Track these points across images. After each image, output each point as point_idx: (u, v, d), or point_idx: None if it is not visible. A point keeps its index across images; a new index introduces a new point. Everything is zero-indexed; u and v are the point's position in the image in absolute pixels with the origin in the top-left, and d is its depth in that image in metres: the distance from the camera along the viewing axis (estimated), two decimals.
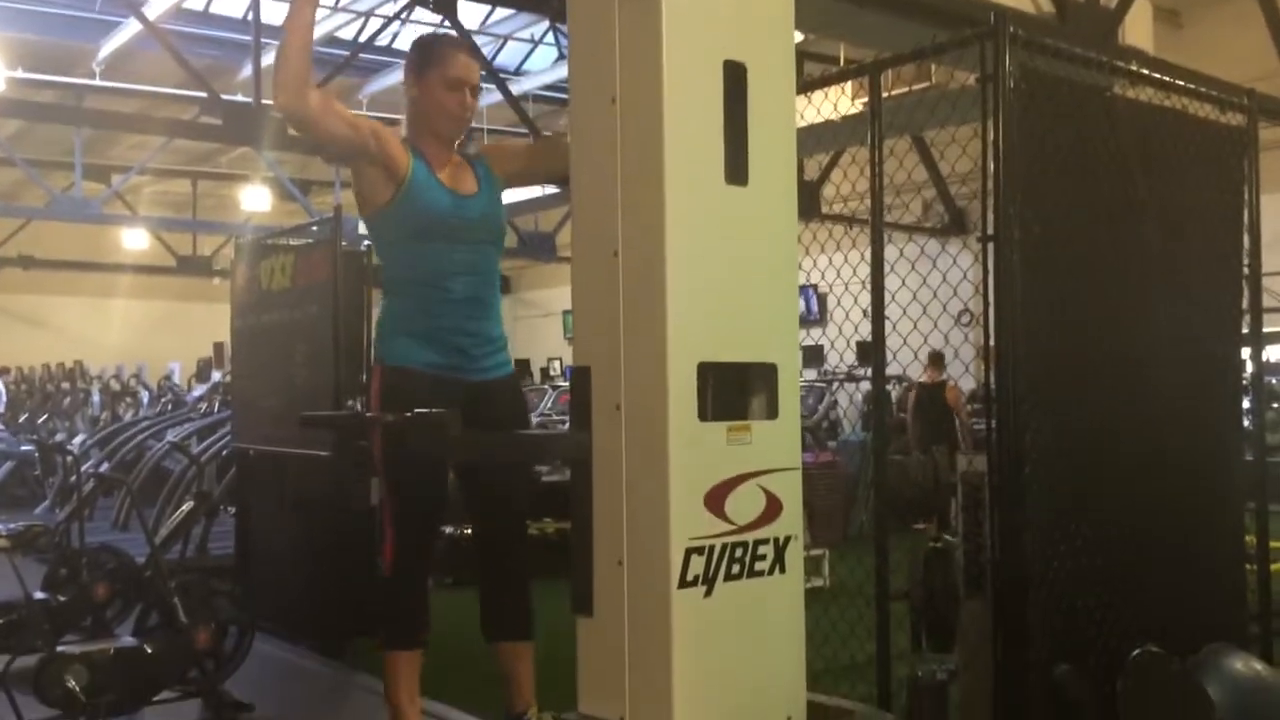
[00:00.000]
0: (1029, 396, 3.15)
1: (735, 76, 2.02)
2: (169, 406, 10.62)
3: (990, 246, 3.09)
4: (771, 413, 2.05)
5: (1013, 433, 3.14)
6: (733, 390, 2.02)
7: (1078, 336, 3.37)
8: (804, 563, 2.11)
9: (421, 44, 3.01)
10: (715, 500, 1.94)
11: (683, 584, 1.89)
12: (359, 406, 6.23)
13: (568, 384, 13.22)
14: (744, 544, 1.97)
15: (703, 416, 1.94)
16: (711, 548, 1.93)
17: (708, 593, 1.92)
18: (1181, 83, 3.65)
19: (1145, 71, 3.52)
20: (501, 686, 3.00)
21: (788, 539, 2.04)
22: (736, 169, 2.02)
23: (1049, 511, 3.24)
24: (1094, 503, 3.42)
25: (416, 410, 2.11)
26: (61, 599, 5.35)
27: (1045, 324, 3.26)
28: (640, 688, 1.92)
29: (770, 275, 2.08)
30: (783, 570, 2.03)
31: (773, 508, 2.01)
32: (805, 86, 3.88)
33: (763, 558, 2.00)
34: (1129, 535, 3.52)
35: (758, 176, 2.05)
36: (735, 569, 1.96)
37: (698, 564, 1.90)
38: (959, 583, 3.28)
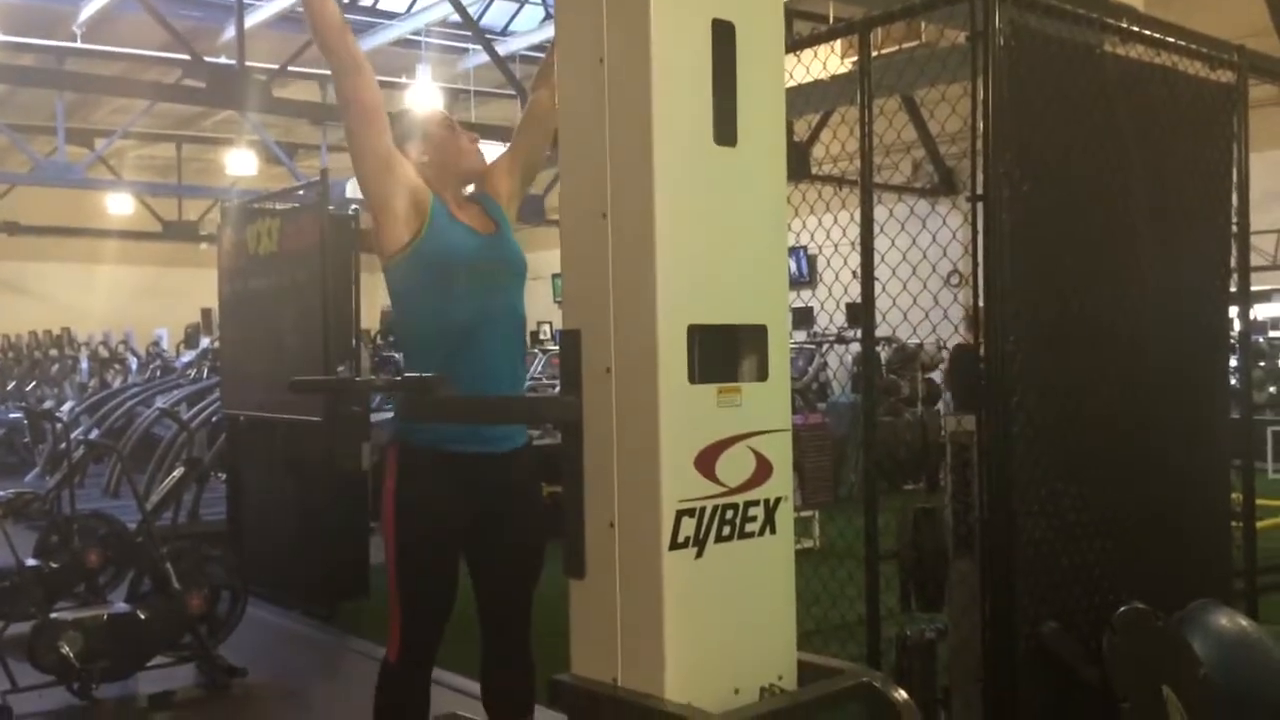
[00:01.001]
0: (1016, 356, 3.16)
1: (724, 35, 2.00)
2: (158, 373, 10.59)
3: (979, 206, 3.09)
4: (762, 374, 2.05)
5: (1001, 392, 3.16)
6: (723, 352, 2.01)
7: (1066, 295, 3.38)
8: (794, 524, 2.12)
9: (399, 117, 2.91)
10: (706, 462, 1.95)
11: (674, 546, 1.89)
12: (348, 371, 6.24)
13: (557, 347, 13.24)
14: (734, 505, 1.98)
15: (693, 379, 1.94)
16: (702, 509, 1.93)
17: (699, 554, 1.93)
18: (1171, 40, 3.63)
19: (1136, 29, 3.50)
20: None
21: (778, 500, 2.05)
22: (725, 129, 2.01)
23: (1037, 471, 3.26)
24: (1081, 461, 3.44)
25: (406, 375, 2.10)
26: (54, 566, 5.37)
27: (1034, 283, 3.26)
28: (632, 649, 1.93)
29: (760, 236, 2.07)
30: (773, 531, 2.03)
31: (763, 469, 2.02)
32: (794, 45, 3.86)
33: (753, 519, 2.01)
34: (1116, 494, 3.55)
35: (747, 136, 2.03)
36: (726, 530, 1.96)
37: (688, 526, 1.91)
38: (948, 543, 3.31)
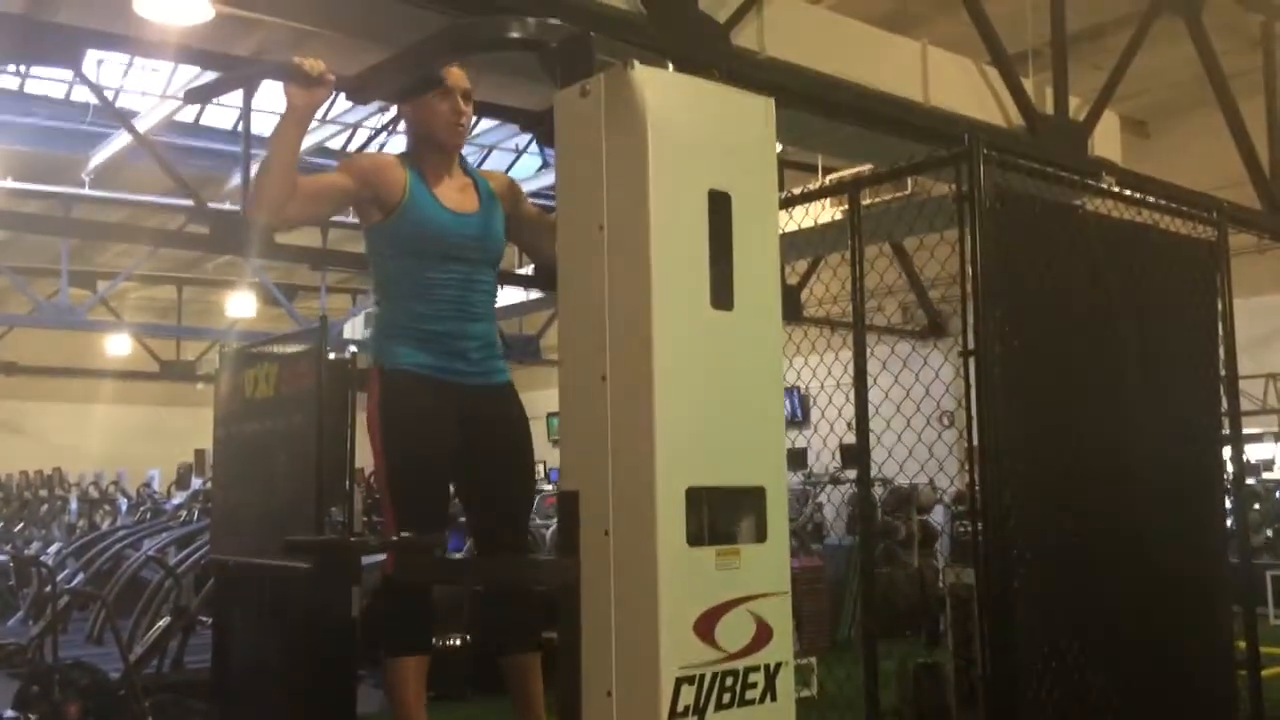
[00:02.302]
0: (1014, 511, 3.16)
1: (720, 205, 2.07)
2: (147, 515, 10.48)
3: (970, 361, 3.14)
4: (760, 536, 2.05)
5: (1000, 546, 3.14)
6: (721, 514, 2.02)
7: (1061, 447, 3.40)
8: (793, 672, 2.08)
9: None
10: (705, 627, 1.93)
11: (673, 715, 1.86)
12: (341, 516, 6.18)
13: (552, 488, 13.11)
14: (734, 672, 1.95)
15: (692, 542, 1.94)
16: (702, 677, 1.90)
17: None
18: (1152, 199, 3.75)
19: (1117, 189, 3.62)
20: (511, 707, 2.92)
21: (778, 666, 2.02)
22: (722, 294, 2.06)
23: (1039, 625, 3.22)
24: (1084, 613, 3.40)
25: (403, 535, 2.09)
26: (32, 718, 5.21)
27: (1028, 437, 3.29)
28: None
29: (757, 398, 2.10)
30: (774, 699, 2.00)
31: (763, 634, 2.00)
32: (786, 203, 3.98)
33: (754, 686, 1.97)
34: (1120, 647, 3.50)
35: (743, 300, 2.08)
36: (726, 698, 1.93)
37: (688, 694, 1.88)
38: (950, 701, 3.24)
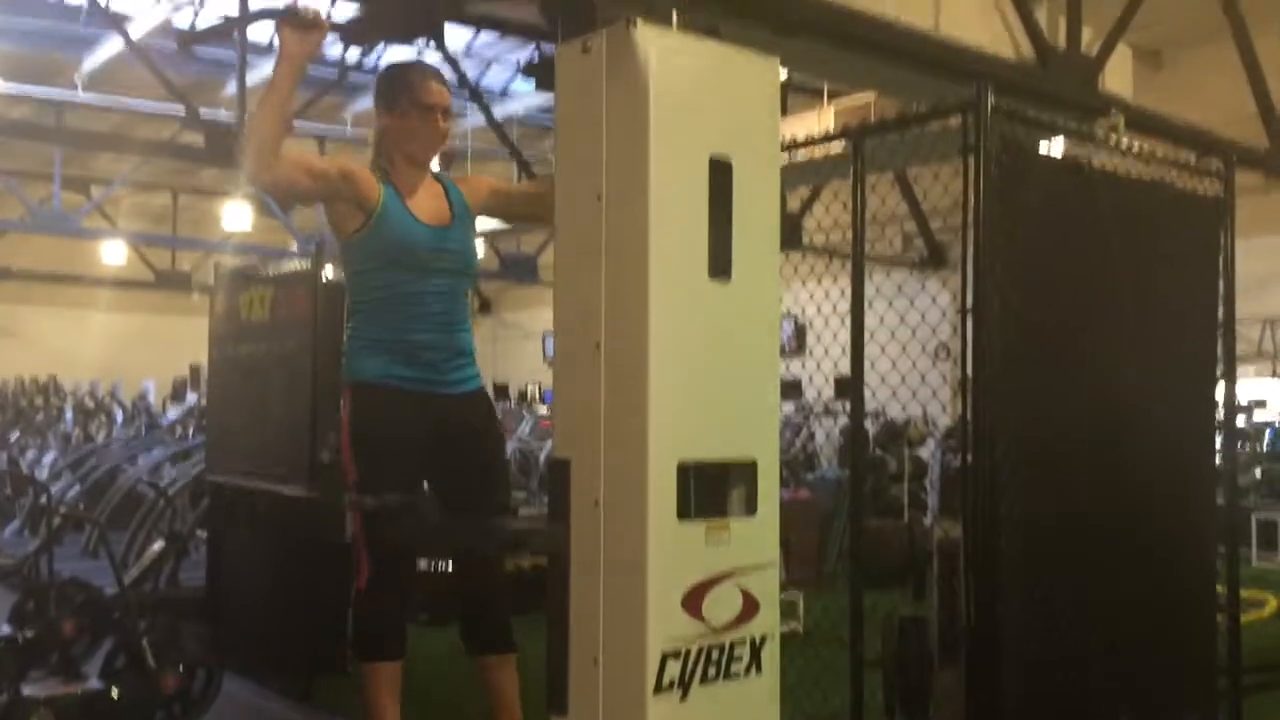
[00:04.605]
0: (1005, 467, 3.16)
1: (720, 172, 2.02)
2: (143, 429, 10.52)
3: (969, 318, 3.11)
4: (750, 509, 2.04)
5: (989, 503, 3.15)
6: (712, 488, 2.01)
7: (1054, 402, 3.39)
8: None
9: (389, 73, 3.01)
10: (693, 601, 1.93)
11: (658, 689, 1.87)
12: (336, 439, 6.20)
13: (545, 410, 13.16)
14: (720, 645, 1.96)
15: (682, 515, 1.94)
16: (688, 651, 1.92)
17: (683, 697, 1.91)
18: (1160, 153, 3.69)
19: (1125, 146, 3.55)
20: (486, 702, 2.97)
21: (764, 638, 2.03)
22: (720, 264, 2.02)
23: (1024, 579, 3.25)
24: (1069, 567, 3.43)
25: (389, 495, 2.09)
26: (28, 634, 5.28)
27: (1023, 390, 3.28)
28: None
29: (752, 370, 2.08)
30: (759, 671, 2.02)
31: (749, 607, 2.01)
32: (788, 146, 3.90)
33: (739, 659, 1.99)
34: (1104, 598, 3.54)
35: (741, 271, 2.05)
36: (711, 671, 1.95)
37: (674, 668, 1.89)
38: (933, 652, 3.29)
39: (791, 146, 3.93)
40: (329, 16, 2.51)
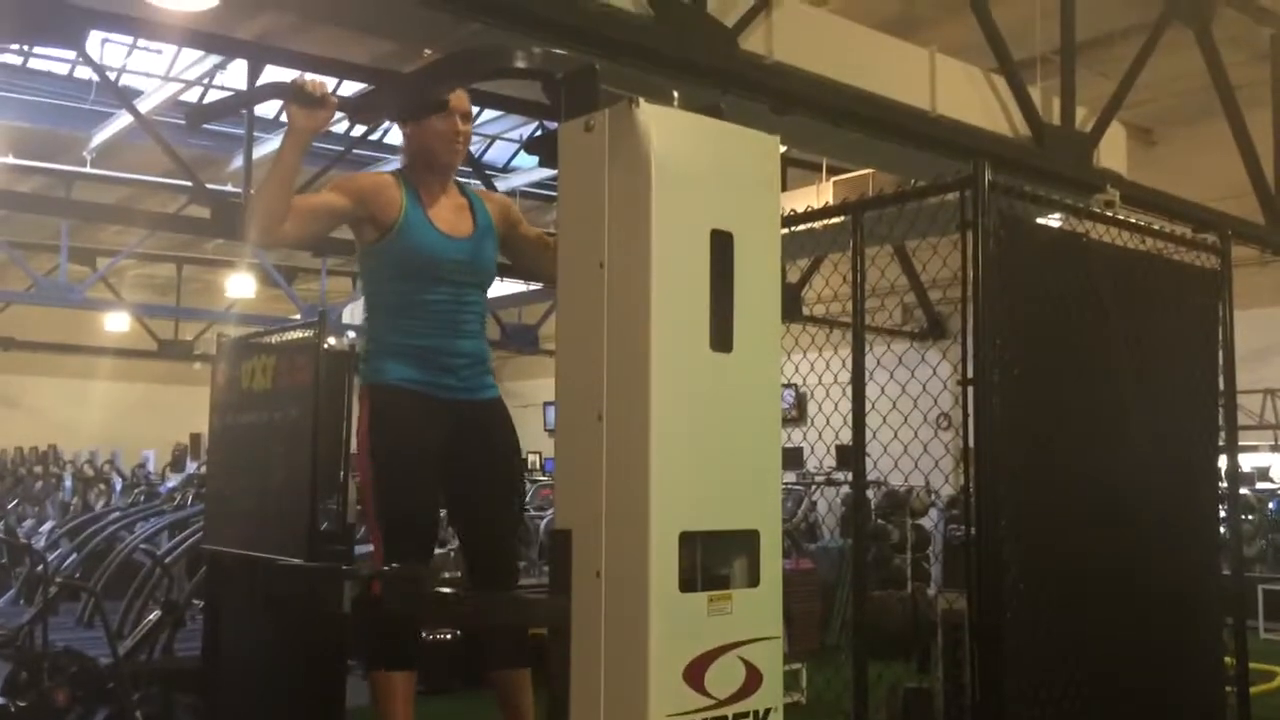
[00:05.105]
0: (1010, 539, 3.15)
1: (722, 245, 2.05)
2: (141, 497, 10.48)
3: (970, 390, 3.13)
4: (753, 580, 2.04)
5: (993, 575, 3.14)
6: (714, 559, 2.01)
7: (1057, 473, 3.40)
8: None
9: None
10: (695, 674, 1.92)
11: None
12: (335, 508, 6.17)
13: (547, 478, 13.06)
14: (723, 718, 1.94)
15: (684, 587, 1.93)
16: None
17: None
18: (1157, 226, 3.74)
19: (1123, 218, 3.60)
20: None
21: (768, 712, 2.01)
22: (721, 336, 2.04)
23: (1029, 652, 3.22)
24: (1074, 639, 3.40)
25: (392, 566, 2.09)
26: (21, 704, 5.21)
27: (1025, 459, 3.28)
28: None
29: (753, 441, 2.08)
30: None
31: (753, 679, 1.99)
32: (788, 221, 3.95)
33: None
34: (1110, 670, 3.50)
35: (742, 343, 2.06)
36: None
37: None
38: None
39: (792, 220, 3.98)
40: (336, 93, 2.56)
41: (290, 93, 2.49)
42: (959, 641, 3.25)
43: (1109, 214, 3.62)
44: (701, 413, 2.00)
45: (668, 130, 2.01)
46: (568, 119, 2.09)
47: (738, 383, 2.06)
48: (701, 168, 2.04)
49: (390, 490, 2.77)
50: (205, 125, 10.17)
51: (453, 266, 2.89)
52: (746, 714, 1.98)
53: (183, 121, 10.23)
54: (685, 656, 1.92)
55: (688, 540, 1.94)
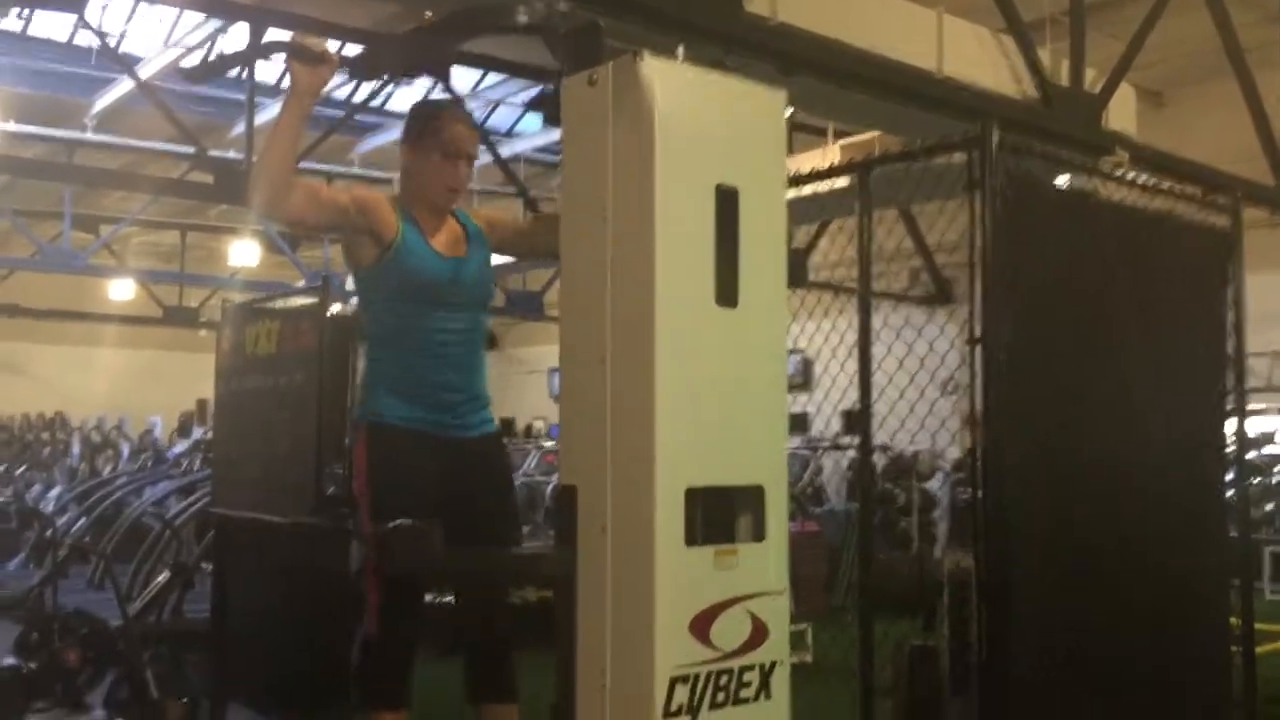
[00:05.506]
0: (1016, 498, 3.15)
1: (727, 200, 2.04)
2: (148, 463, 10.54)
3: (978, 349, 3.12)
4: (759, 535, 2.04)
5: (1000, 529, 3.14)
6: (720, 514, 2.01)
7: (1064, 433, 3.39)
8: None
9: (419, 112, 3.02)
10: (701, 626, 1.93)
11: (667, 714, 1.87)
12: (341, 472, 6.20)
13: (552, 444, 13.13)
14: (729, 671, 1.96)
15: (690, 541, 1.94)
16: (696, 676, 1.91)
17: None
18: (1167, 185, 3.71)
19: (1132, 178, 3.57)
20: None
21: (774, 664, 2.02)
22: (727, 291, 2.04)
23: (1035, 611, 3.23)
24: (1080, 598, 3.41)
25: (400, 521, 2.10)
26: (32, 665, 5.27)
27: (1032, 421, 3.28)
28: None
29: (759, 396, 2.08)
30: (768, 697, 2.01)
31: (759, 633, 2.00)
32: (793, 182, 3.93)
33: (748, 685, 1.98)
34: (1116, 630, 3.52)
35: (747, 298, 2.06)
36: (720, 697, 1.94)
37: (682, 693, 1.89)
38: (944, 683, 3.26)
39: (798, 181, 3.96)
40: (338, 51, 2.53)
41: (292, 49, 2.47)
42: (965, 600, 3.25)
43: (1118, 172, 3.59)
44: (707, 368, 2.00)
45: (672, 84, 1.99)
46: (571, 74, 2.08)
47: (744, 338, 2.06)
48: (706, 122, 2.03)
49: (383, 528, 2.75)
50: (206, 88, 10.13)
51: (452, 286, 2.86)
52: (753, 666, 1.99)
53: (184, 87, 10.19)
54: (691, 609, 1.93)
55: (693, 495, 1.95)
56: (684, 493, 1.93)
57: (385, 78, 5.17)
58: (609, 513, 1.96)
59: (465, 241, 2.95)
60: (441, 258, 2.87)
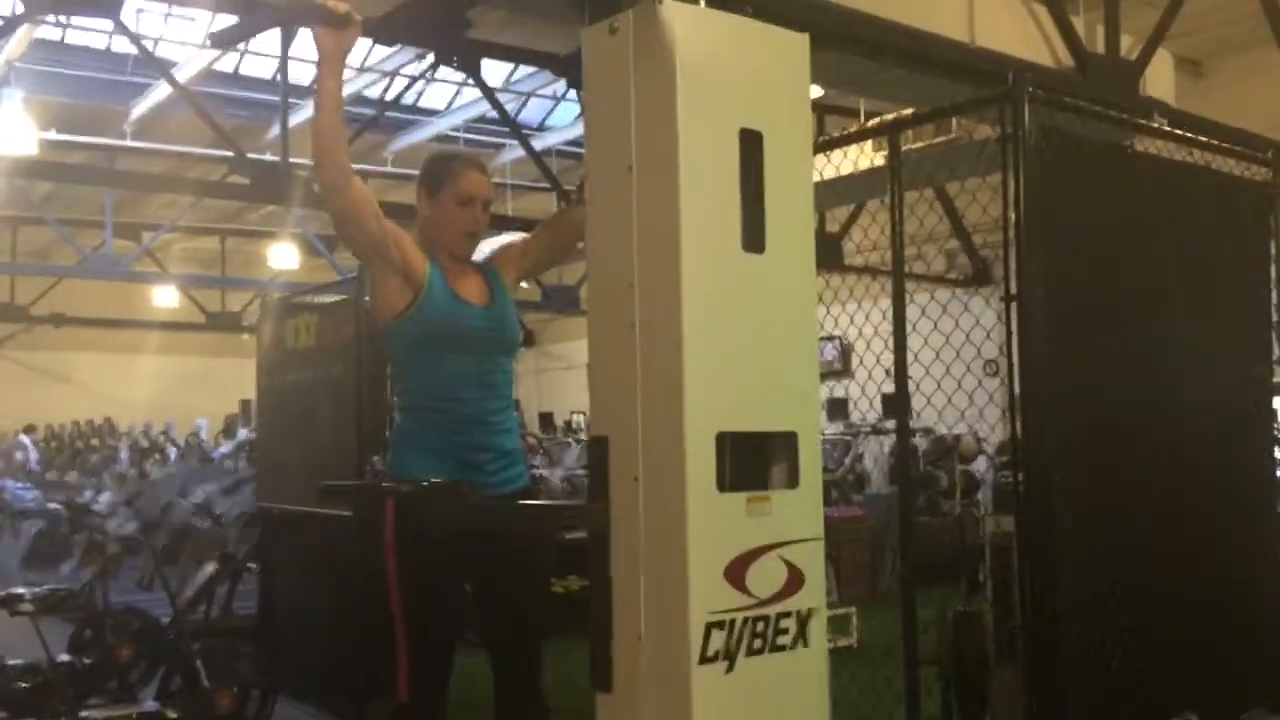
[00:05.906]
0: (1057, 458, 3.10)
1: (751, 144, 2.02)
2: (195, 464, 10.68)
3: (1013, 306, 3.07)
4: (792, 482, 2.02)
5: (1042, 494, 3.09)
6: (752, 460, 1.99)
7: (1105, 393, 3.33)
8: (831, 621, 2.06)
9: (432, 163, 2.99)
10: (736, 573, 1.91)
11: (703, 660, 1.85)
12: (382, 463, 6.24)
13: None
14: (765, 618, 1.93)
15: (722, 487, 1.92)
16: (732, 622, 1.89)
17: (729, 668, 1.88)
18: (1204, 138, 3.63)
19: (1168, 128, 3.50)
20: None
21: (810, 611, 2.00)
22: (753, 236, 2.02)
23: (1080, 574, 3.18)
24: (1127, 562, 3.35)
25: (433, 481, 2.10)
26: (86, 662, 5.34)
27: (1071, 380, 3.22)
28: None
29: (789, 342, 2.06)
30: (805, 644, 1.98)
31: (794, 580, 1.98)
32: (824, 145, 3.89)
33: (785, 631, 1.96)
34: (1164, 594, 3.45)
35: (775, 243, 2.04)
36: (757, 644, 1.92)
37: (718, 639, 1.87)
38: (989, 650, 3.22)
39: (826, 145, 3.92)
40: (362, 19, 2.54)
41: (315, 13, 2.48)
42: (1008, 565, 3.20)
43: (1155, 123, 3.52)
44: (735, 313, 1.98)
45: (693, 28, 1.97)
46: (592, 22, 2.07)
47: (771, 283, 2.03)
48: (728, 66, 2.01)
49: (415, 594, 2.72)
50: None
51: (480, 333, 2.84)
52: (789, 613, 1.97)
53: (220, 89, 10.28)
54: (725, 556, 1.91)
55: (724, 441, 1.93)
56: (715, 438, 1.91)
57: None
58: (640, 462, 1.95)
59: (488, 288, 2.94)
60: (468, 304, 2.85)
